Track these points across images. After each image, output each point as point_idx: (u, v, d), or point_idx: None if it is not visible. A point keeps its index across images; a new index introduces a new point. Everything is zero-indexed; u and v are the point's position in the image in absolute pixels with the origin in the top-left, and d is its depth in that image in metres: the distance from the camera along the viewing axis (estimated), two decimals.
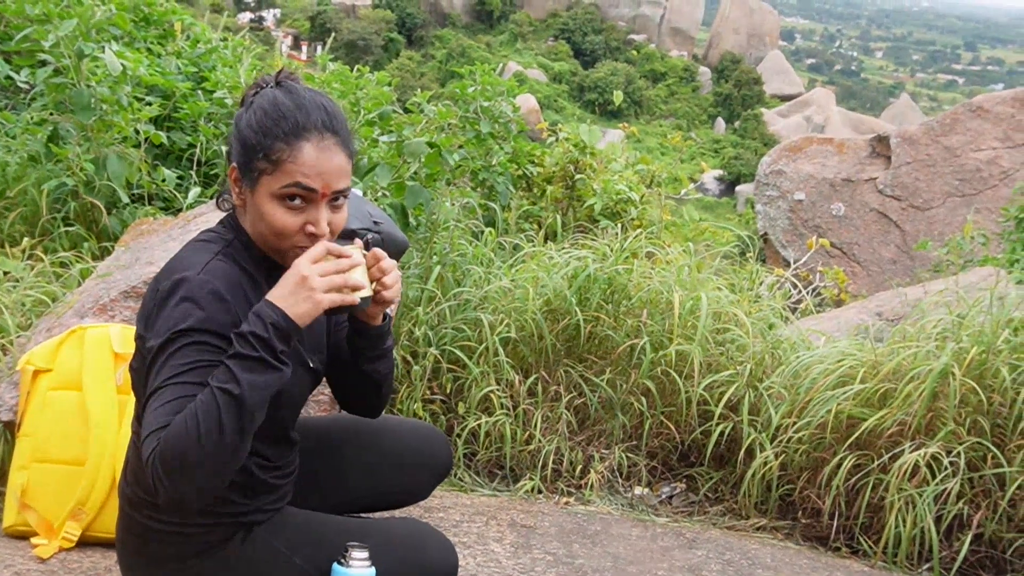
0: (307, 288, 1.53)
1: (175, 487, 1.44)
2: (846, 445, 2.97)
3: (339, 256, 1.59)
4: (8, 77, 4.20)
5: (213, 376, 1.48)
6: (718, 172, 52.53)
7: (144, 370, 1.58)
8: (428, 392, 3.27)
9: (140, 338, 1.62)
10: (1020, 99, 8.75)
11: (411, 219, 3.71)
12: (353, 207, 2.80)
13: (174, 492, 1.44)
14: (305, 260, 1.55)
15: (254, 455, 1.68)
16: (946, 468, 2.80)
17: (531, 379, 3.31)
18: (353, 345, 1.88)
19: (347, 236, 1.77)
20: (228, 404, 1.44)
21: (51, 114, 3.94)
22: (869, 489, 2.89)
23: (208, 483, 1.47)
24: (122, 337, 2.35)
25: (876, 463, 2.92)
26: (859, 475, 2.94)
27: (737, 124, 62.57)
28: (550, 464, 3.16)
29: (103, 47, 3.85)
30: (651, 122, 60.97)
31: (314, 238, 1.63)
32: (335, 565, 1.67)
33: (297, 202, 1.61)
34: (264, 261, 1.69)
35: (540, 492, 3.12)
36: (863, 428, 2.94)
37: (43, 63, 3.80)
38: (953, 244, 5.69)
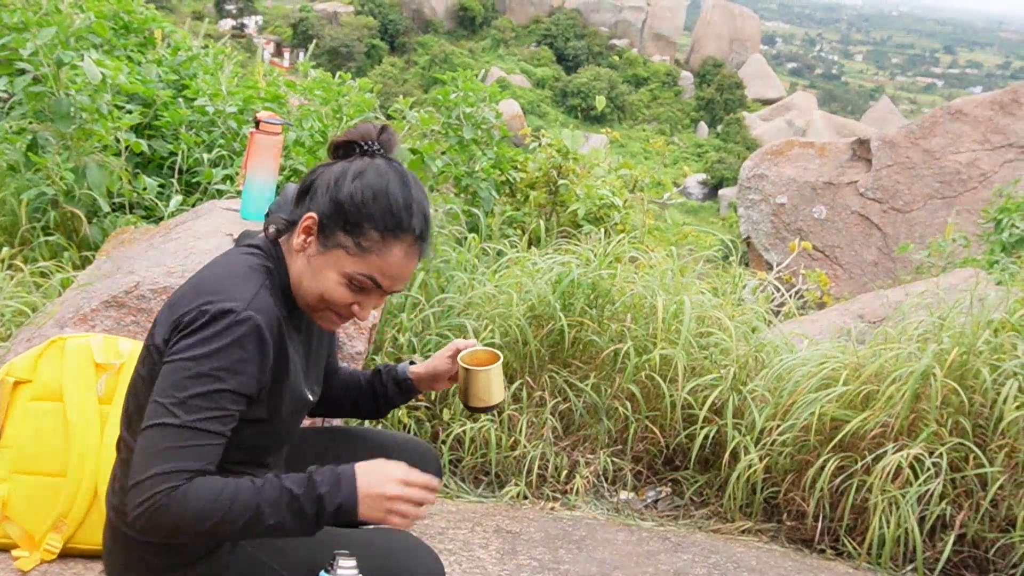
0: (387, 506, 1.58)
1: (158, 527, 1.51)
2: (829, 447, 2.98)
3: (428, 489, 1.61)
4: None
5: (264, 487, 1.53)
6: (701, 176, 52.65)
7: (152, 377, 1.59)
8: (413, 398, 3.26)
9: (153, 346, 1.62)
10: (998, 102, 8.83)
11: None
12: None
13: (152, 527, 1.50)
14: (401, 479, 1.59)
15: (248, 474, 1.68)
16: (929, 469, 2.82)
17: (516, 384, 3.31)
18: (388, 401, 2.08)
19: None
20: (254, 522, 1.53)
21: (30, 123, 3.92)
22: (853, 491, 2.91)
23: (175, 540, 1.58)
24: (103, 347, 2.33)
25: (859, 465, 2.93)
26: (843, 477, 2.95)
27: (719, 128, 62.80)
28: (535, 470, 3.16)
29: (82, 55, 3.83)
30: (634, 127, 61.09)
31: (351, 315, 1.68)
32: (322, 573, 1.66)
33: (358, 287, 1.64)
34: (292, 304, 1.70)
35: (525, 498, 3.11)
36: (846, 430, 2.96)
37: (22, 72, 3.77)
38: (934, 246, 5.73)
